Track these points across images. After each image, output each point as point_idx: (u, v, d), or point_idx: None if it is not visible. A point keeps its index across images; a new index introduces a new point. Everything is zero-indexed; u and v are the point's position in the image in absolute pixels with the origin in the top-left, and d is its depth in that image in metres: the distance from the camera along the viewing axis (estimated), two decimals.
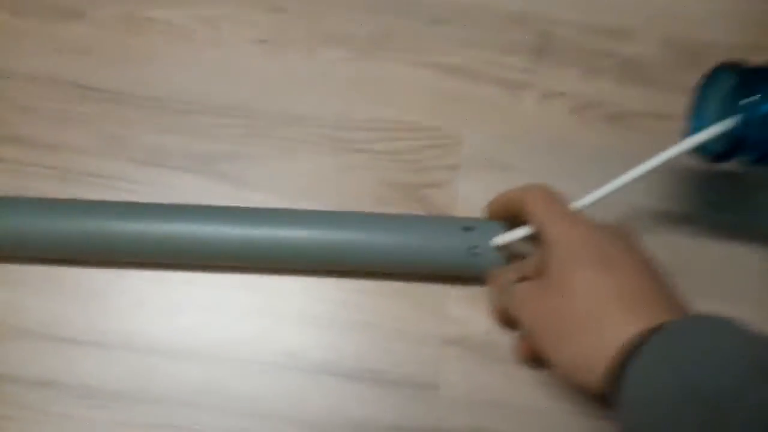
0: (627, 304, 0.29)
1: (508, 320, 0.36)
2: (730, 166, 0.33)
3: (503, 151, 0.41)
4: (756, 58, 0.33)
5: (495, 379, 0.38)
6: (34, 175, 0.40)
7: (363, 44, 0.42)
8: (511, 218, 0.36)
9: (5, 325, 0.37)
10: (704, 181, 0.41)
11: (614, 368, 0.28)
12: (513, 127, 0.42)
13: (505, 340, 0.38)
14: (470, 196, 0.40)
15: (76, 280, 0.38)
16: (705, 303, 0.37)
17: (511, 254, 0.36)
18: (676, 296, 0.31)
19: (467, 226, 0.36)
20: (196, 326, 0.38)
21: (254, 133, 0.41)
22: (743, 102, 0.31)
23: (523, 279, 0.34)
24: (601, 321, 0.29)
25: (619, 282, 0.30)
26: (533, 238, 0.34)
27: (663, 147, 0.34)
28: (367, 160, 0.41)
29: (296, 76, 0.42)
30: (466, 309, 0.38)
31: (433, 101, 0.42)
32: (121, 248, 0.36)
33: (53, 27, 0.42)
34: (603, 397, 0.29)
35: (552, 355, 0.31)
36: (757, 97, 0.30)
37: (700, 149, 0.33)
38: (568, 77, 0.42)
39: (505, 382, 0.38)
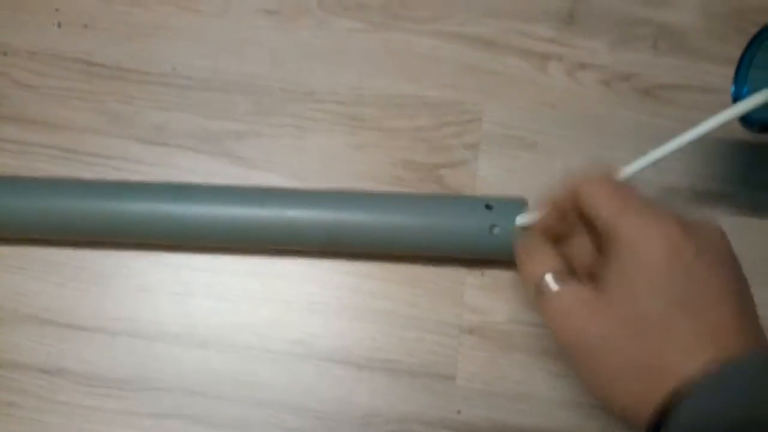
0: (695, 342, 0.23)
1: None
2: None
3: (527, 127, 0.38)
4: None
5: (513, 369, 0.36)
6: (37, 155, 0.38)
7: (378, 14, 0.40)
8: (566, 221, 0.29)
9: (10, 310, 0.37)
10: (745, 159, 0.38)
11: (664, 408, 0.23)
12: (538, 101, 0.39)
13: (525, 329, 0.36)
14: (490, 176, 0.38)
15: (82, 264, 0.37)
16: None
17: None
18: (754, 322, 0.25)
19: (489, 204, 0.34)
20: (204, 312, 0.36)
21: (264, 110, 0.39)
22: None
23: (562, 272, 0.27)
24: (661, 362, 0.23)
25: (695, 320, 0.24)
26: (589, 230, 0.28)
27: (702, 120, 0.31)
28: (382, 137, 0.38)
29: (308, 49, 0.40)
30: (484, 297, 0.36)
31: (452, 74, 0.39)
32: (125, 228, 0.35)
33: None
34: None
35: (594, 389, 0.25)
36: None
37: (746, 118, 0.30)
38: (599, 47, 0.39)
39: (523, 373, 0.36)
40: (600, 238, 0.27)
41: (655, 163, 0.30)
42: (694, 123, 0.32)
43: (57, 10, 0.40)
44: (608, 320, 0.24)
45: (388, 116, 0.39)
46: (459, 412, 0.35)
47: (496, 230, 0.33)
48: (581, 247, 0.28)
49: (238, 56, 0.40)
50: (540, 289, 0.26)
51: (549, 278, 0.26)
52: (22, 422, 0.35)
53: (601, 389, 0.25)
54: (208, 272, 0.37)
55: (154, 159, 0.38)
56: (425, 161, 0.38)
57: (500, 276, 0.36)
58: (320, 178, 0.38)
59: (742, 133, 0.31)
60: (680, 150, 0.30)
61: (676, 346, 0.23)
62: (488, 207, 0.34)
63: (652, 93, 0.39)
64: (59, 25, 0.40)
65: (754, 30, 0.39)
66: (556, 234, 0.29)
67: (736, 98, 0.30)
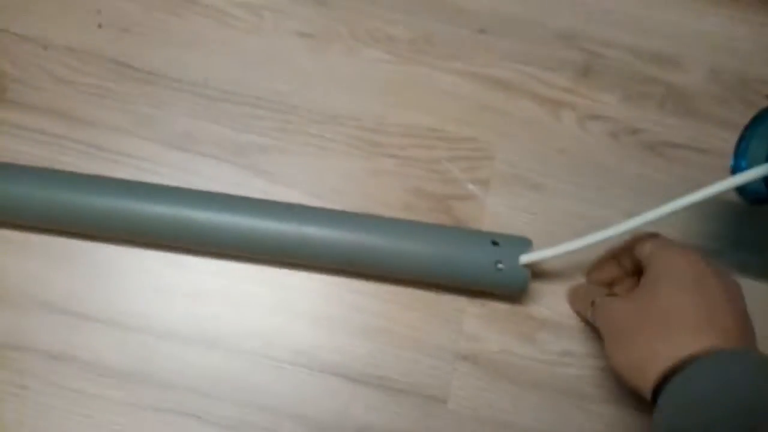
0: (701, 323, 0.30)
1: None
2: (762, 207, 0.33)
3: (536, 169, 0.40)
4: None
5: (503, 399, 0.37)
6: (65, 149, 0.40)
7: (405, 48, 0.42)
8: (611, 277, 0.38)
9: (27, 296, 0.38)
10: (737, 220, 0.40)
11: (665, 377, 0.29)
12: (549, 146, 0.41)
13: (517, 360, 0.38)
14: (498, 212, 0.40)
15: (101, 257, 0.38)
16: None
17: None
18: (751, 331, 0.32)
19: (496, 240, 0.36)
20: (213, 316, 0.38)
21: (289, 128, 0.41)
22: None
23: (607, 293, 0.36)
24: (670, 333, 0.30)
25: (704, 301, 0.31)
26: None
27: (701, 180, 0.33)
28: (398, 165, 0.40)
29: (336, 74, 0.41)
30: (481, 326, 0.38)
31: (470, 112, 0.41)
32: (145, 228, 0.36)
33: (97, 0, 0.42)
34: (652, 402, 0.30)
35: (614, 354, 0.32)
36: None
37: (742, 189, 0.32)
38: (610, 100, 0.42)
39: (512, 403, 0.37)
40: (639, 278, 0.34)
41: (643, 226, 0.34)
42: (693, 181, 0.34)
43: (99, 11, 0.42)
44: (637, 311, 0.32)
45: (404, 145, 0.41)
46: None
47: (501, 266, 0.35)
48: (622, 285, 0.37)
49: (268, 74, 0.41)
50: (594, 306, 0.35)
51: (599, 299, 0.35)
52: (28, 404, 0.36)
53: (619, 354, 0.32)
54: (221, 277, 0.38)
55: (178, 163, 0.40)
56: (436, 192, 0.40)
57: (499, 308, 0.38)
58: (336, 197, 0.40)
59: (736, 195, 0.33)
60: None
61: (687, 330, 0.30)
62: (495, 243, 0.36)
63: (656, 149, 0.41)
64: (100, 26, 0.42)
65: (757, 100, 0.42)
66: (604, 281, 0.38)
67: (735, 170, 0.32)
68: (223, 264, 0.38)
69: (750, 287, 0.39)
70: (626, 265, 0.37)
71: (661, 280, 0.32)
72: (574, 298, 0.39)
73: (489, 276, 0.35)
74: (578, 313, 0.38)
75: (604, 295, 0.36)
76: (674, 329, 0.30)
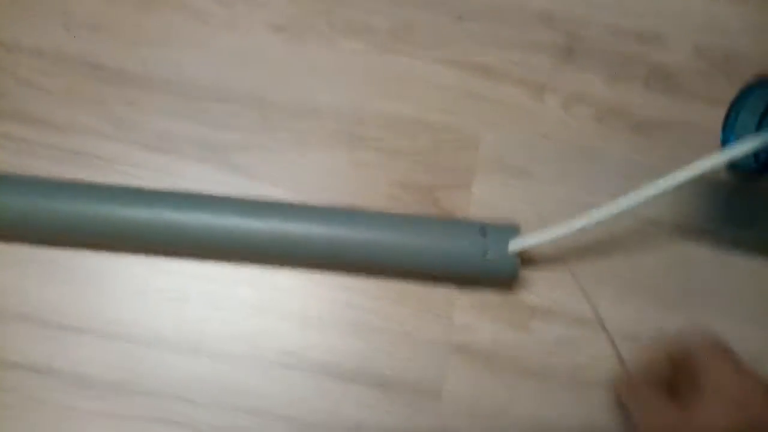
0: None
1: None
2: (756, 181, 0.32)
3: (522, 155, 0.40)
4: None
5: (499, 389, 0.37)
6: (38, 155, 0.39)
7: (385, 37, 0.41)
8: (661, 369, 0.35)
9: (4, 309, 0.37)
10: (727, 196, 0.40)
11: None
12: (534, 131, 0.40)
13: (510, 350, 0.37)
14: (485, 200, 0.39)
15: (79, 265, 0.37)
16: (727, 323, 0.37)
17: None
18: None
19: (483, 228, 0.35)
20: (199, 320, 0.37)
21: (268, 124, 0.40)
22: None
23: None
24: None
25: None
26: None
27: (689, 159, 0.33)
28: (381, 157, 0.39)
29: (314, 67, 0.40)
30: (472, 316, 0.38)
31: (452, 100, 0.40)
32: (124, 233, 0.35)
33: (62, 0, 0.41)
34: None
35: None
36: None
37: (733, 164, 0.32)
38: (594, 82, 0.41)
39: (508, 393, 0.37)
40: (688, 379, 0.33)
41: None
42: (680, 160, 0.34)
43: (65, 11, 0.41)
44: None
45: (387, 137, 0.40)
46: (444, 429, 0.36)
47: (490, 254, 0.35)
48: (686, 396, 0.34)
49: (244, 69, 0.40)
50: (648, 404, 0.33)
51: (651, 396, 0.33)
52: (11, 421, 0.35)
53: None
54: (205, 280, 0.37)
55: (155, 165, 0.39)
56: (421, 182, 0.39)
57: (490, 298, 0.38)
58: (319, 193, 0.39)
59: (726, 173, 0.33)
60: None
61: None
62: (483, 232, 0.35)
63: (643, 129, 0.40)
64: (66, 26, 0.40)
65: (742, 75, 0.41)
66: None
67: (724, 144, 0.32)
68: (207, 266, 0.37)
69: (743, 263, 0.39)
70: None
71: (715, 405, 0.31)
72: (632, 394, 0.35)
73: (478, 265, 0.35)
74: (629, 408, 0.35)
75: (661, 398, 0.33)
76: None
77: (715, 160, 0.31)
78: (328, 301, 0.37)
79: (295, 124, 0.40)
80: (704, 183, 0.40)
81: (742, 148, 0.30)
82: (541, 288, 0.38)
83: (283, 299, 0.37)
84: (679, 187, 0.32)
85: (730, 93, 0.38)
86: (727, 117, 0.32)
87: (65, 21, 0.41)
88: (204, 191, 0.37)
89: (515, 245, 0.35)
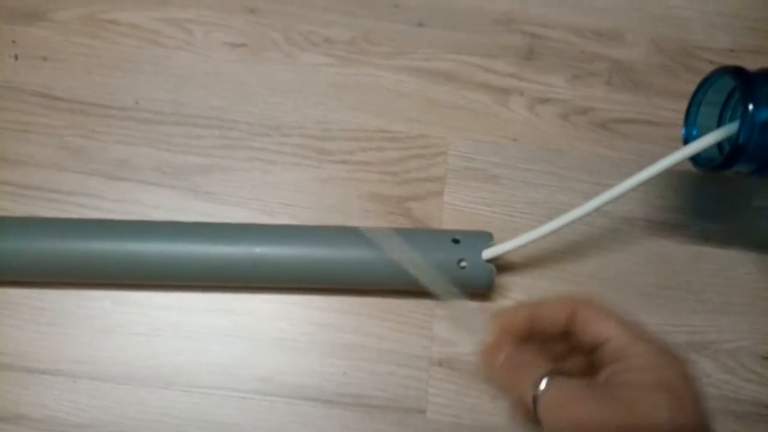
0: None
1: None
2: (723, 174, 0.32)
3: (490, 160, 0.39)
4: (749, 64, 0.32)
5: (483, 401, 0.36)
6: None
7: (344, 49, 0.40)
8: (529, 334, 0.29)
9: None
10: (696, 190, 0.40)
11: None
12: (501, 134, 0.40)
13: None
14: (457, 208, 0.38)
15: (40, 303, 0.36)
16: (698, 315, 0.37)
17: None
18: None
19: (456, 238, 0.35)
20: (170, 352, 0.36)
21: (230, 144, 0.39)
22: (743, 108, 0.29)
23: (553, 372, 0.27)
24: None
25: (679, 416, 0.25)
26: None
27: (654, 154, 0.32)
28: (349, 171, 0.39)
29: (274, 83, 0.40)
30: (453, 328, 0.37)
31: (417, 108, 0.40)
32: (87, 268, 0.34)
33: (10, 30, 0.40)
34: None
35: None
36: (758, 103, 0.29)
37: (697, 158, 0.32)
38: (557, 82, 0.41)
39: (493, 404, 0.36)
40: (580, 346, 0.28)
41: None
42: (649, 155, 0.33)
43: (14, 41, 0.39)
44: (604, 411, 0.25)
45: (354, 150, 0.39)
46: None
47: (464, 264, 0.34)
48: (576, 360, 0.29)
49: (203, 90, 0.39)
50: (536, 392, 0.26)
51: (545, 382, 0.26)
52: None
53: None
54: (174, 310, 0.36)
55: (116, 195, 0.37)
56: (392, 194, 0.39)
57: (468, 308, 0.37)
58: (288, 211, 0.38)
59: (692, 165, 0.33)
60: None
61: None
62: (456, 241, 0.34)
63: (608, 126, 0.40)
64: (16, 57, 0.39)
65: (702, 66, 0.41)
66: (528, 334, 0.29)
67: (687, 140, 0.32)
68: (174, 296, 0.36)
69: (713, 255, 0.38)
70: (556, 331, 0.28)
71: (628, 376, 0.26)
72: (505, 368, 0.28)
73: (453, 275, 0.34)
74: (499, 387, 0.28)
75: (551, 371, 0.26)
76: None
77: (678, 156, 0.31)
78: (303, 323, 0.36)
79: (259, 143, 0.39)
80: (673, 176, 0.40)
81: (704, 142, 0.30)
82: (518, 293, 0.37)
83: (255, 324, 0.36)
84: (650, 183, 0.32)
85: (692, 84, 0.37)
86: (688, 111, 0.32)
87: (15, 52, 0.39)
88: (166, 218, 0.36)
89: (489, 253, 0.34)
